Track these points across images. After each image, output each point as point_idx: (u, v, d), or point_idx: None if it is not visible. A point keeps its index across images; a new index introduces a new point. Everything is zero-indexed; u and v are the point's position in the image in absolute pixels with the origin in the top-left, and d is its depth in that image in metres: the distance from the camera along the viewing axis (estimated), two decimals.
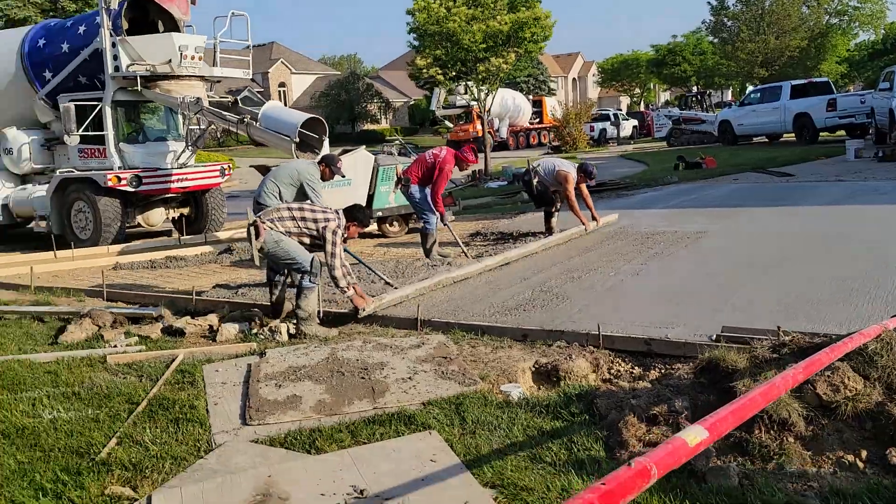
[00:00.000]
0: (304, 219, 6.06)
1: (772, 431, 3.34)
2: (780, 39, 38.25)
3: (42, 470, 3.73)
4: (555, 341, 5.26)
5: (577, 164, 9.72)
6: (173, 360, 5.34)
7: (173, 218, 13.70)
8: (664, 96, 77.29)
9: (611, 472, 1.89)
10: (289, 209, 6.13)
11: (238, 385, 4.82)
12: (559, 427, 3.81)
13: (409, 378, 4.67)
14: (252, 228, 5.93)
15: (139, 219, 13.14)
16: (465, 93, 40.71)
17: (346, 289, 6.11)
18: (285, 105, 22.42)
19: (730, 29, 40.78)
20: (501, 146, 39.26)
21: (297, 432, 4.03)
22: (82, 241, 11.88)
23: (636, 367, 4.89)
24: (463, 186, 12.62)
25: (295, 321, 5.97)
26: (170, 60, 11.82)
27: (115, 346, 5.75)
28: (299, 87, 63.89)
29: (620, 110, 50.70)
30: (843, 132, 24.85)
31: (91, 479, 3.60)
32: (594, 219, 9.69)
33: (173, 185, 12.69)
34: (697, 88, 50.17)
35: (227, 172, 13.75)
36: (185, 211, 13.60)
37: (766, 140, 27.18)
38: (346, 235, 6.25)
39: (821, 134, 24.25)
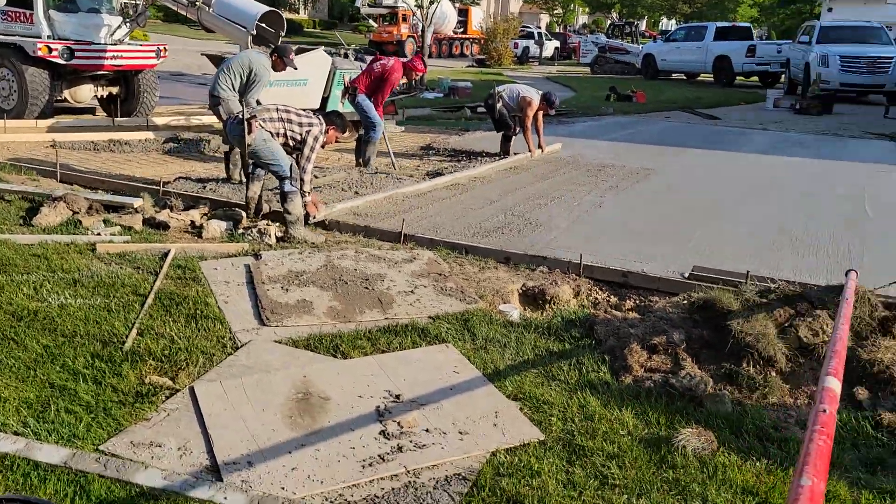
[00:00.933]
0: (290, 121, 6.10)
1: (758, 366, 3.85)
2: None
3: (71, 356, 3.82)
4: (537, 266, 5.63)
5: (540, 92, 9.95)
6: (166, 253, 5.38)
7: (101, 96, 13.08)
8: (582, 19, 77.45)
9: None
10: (276, 110, 6.13)
11: (242, 285, 4.95)
12: (566, 349, 4.20)
13: (411, 292, 4.94)
14: (245, 124, 5.92)
15: (66, 93, 12.51)
16: None
17: (307, 193, 6.24)
18: None
19: None
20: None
21: (318, 336, 4.25)
22: (5, 112, 11.23)
23: (612, 297, 5.34)
24: (402, 96, 12.61)
25: (283, 224, 6.08)
26: None
27: (99, 234, 5.70)
28: None
29: (541, 29, 50.63)
30: (756, 78, 26.06)
31: (127, 366, 3.73)
32: (540, 147, 10.03)
33: (106, 63, 12.05)
34: (619, 16, 50.58)
35: (162, 54, 13.14)
36: (115, 90, 12.97)
37: (685, 77, 28.10)
38: (324, 140, 6.35)
39: (737, 78, 25.33)
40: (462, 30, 43.79)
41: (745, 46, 24.54)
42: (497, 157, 9.79)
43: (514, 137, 10.10)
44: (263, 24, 10.46)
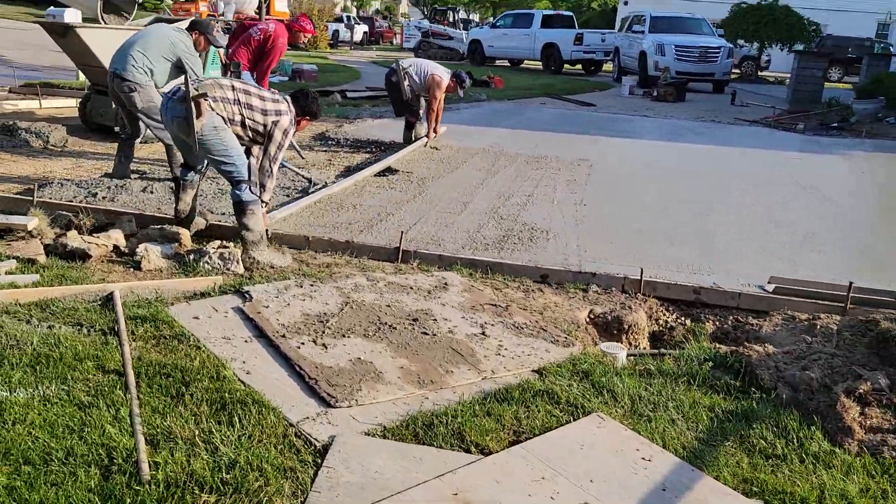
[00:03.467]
0: (250, 106, 4.57)
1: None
2: None
3: (54, 495, 2.27)
4: (587, 284, 4.62)
5: (449, 71, 8.87)
6: (108, 297, 3.73)
7: None
8: (375, 5, 76.68)
9: None
10: (233, 89, 4.57)
11: (252, 340, 3.47)
12: (743, 407, 3.22)
13: (483, 334, 3.73)
14: (191, 104, 4.32)
15: None
16: None
17: (268, 202, 4.83)
18: None
19: None
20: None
21: (415, 417, 2.95)
22: None
23: (685, 318, 4.48)
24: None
25: (241, 244, 4.55)
26: None
27: None
28: None
29: (351, 13, 49.21)
30: (580, 66, 26.62)
31: None
32: (435, 131, 8.95)
33: None
34: (427, 3, 50.48)
35: None
36: None
37: (509, 64, 28.13)
38: (296, 131, 4.94)
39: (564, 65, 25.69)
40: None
41: (573, 34, 24.87)
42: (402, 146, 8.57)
43: (417, 124, 8.96)
44: None
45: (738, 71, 27.13)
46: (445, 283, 4.35)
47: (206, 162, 4.89)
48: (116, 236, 4.50)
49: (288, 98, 4.77)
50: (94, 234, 4.48)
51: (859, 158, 10.11)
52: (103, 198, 5.57)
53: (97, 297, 3.77)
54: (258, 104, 4.59)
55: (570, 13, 28.21)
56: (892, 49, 30.84)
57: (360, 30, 43.02)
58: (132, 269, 4.26)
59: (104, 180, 6.11)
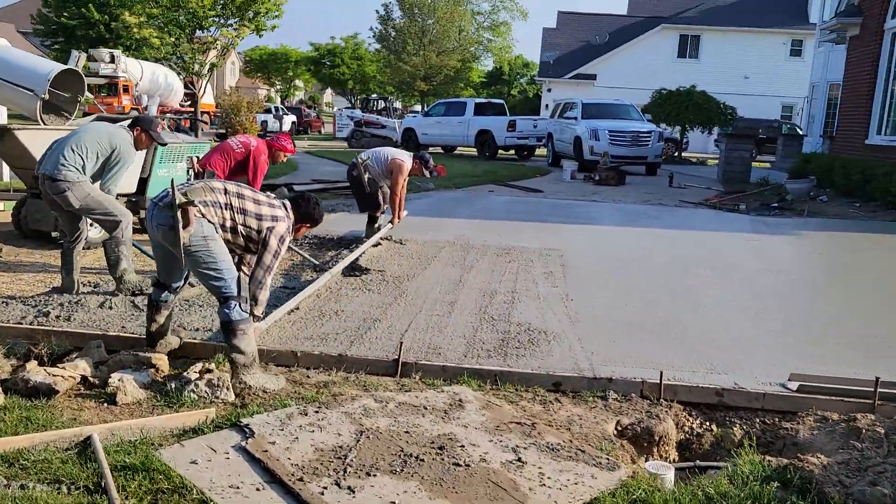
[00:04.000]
0: (244, 211, 4.20)
1: None
2: (439, 57, 40.64)
3: None
4: (604, 391, 4.32)
5: (410, 154, 8.70)
6: (85, 442, 3.21)
7: None
8: (299, 94, 77.46)
9: None
10: (226, 192, 4.20)
11: (265, 488, 3.01)
12: None
13: (519, 461, 3.35)
14: (180, 212, 3.91)
15: None
16: (112, 61, 36.20)
17: (260, 317, 4.45)
18: None
19: (395, 40, 42.23)
20: None
21: None
22: None
23: (711, 424, 4.21)
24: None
25: (230, 368, 4.09)
26: None
27: None
28: None
29: (279, 104, 49.43)
30: (512, 151, 27.10)
31: None
32: (399, 216, 8.72)
33: None
34: (353, 92, 51.21)
35: None
36: None
37: (442, 150, 28.43)
38: (293, 238, 4.60)
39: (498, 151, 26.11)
40: (189, 102, 41.00)
41: (506, 121, 25.40)
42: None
43: (380, 217, 8.71)
44: (55, 90, 8.00)
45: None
46: (460, 400, 3.98)
47: (183, 279, 4.46)
48: (83, 365, 3.97)
49: (286, 203, 4.43)
50: (58, 364, 3.94)
51: (813, 238, 10.31)
52: (57, 317, 5.02)
53: (72, 442, 3.24)
54: (252, 209, 4.22)
55: (501, 101, 28.89)
56: (798, 129, 32.72)
57: (289, 120, 43.06)
58: (106, 405, 3.74)
59: (53, 296, 5.55)
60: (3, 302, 5.35)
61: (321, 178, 14.72)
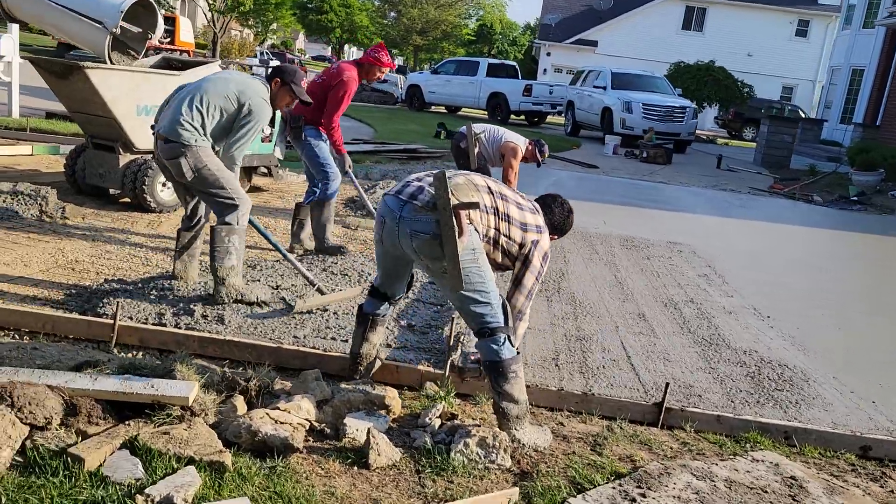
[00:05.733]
0: (508, 218, 3.20)
1: None
2: (438, 11, 39.10)
3: None
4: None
5: (526, 139, 7.71)
6: None
7: None
8: (270, 40, 74.70)
9: None
10: (490, 191, 3.17)
11: None
12: None
13: None
14: (451, 215, 2.90)
15: None
16: None
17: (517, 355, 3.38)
18: None
19: None
20: None
21: None
22: None
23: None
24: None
25: (498, 420, 3.13)
26: None
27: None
28: None
29: (264, 49, 47.39)
30: (522, 117, 26.05)
31: None
32: None
33: None
34: (338, 40, 49.34)
35: None
36: None
37: (446, 110, 27.23)
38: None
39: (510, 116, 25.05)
40: (169, 40, 38.81)
41: (522, 85, 24.31)
42: None
43: None
44: (126, 24, 6.76)
45: None
46: (792, 477, 3.10)
47: (406, 288, 3.46)
48: (307, 407, 2.97)
49: (536, 205, 3.44)
50: (276, 406, 2.93)
51: None
52: (204, 317, 3.99)
53: None
54: (517, 215, 3.22)
55: (514, 63, 27.70)
56: (801, 112, 32.28)
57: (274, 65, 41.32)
58: (355, 467, 2.77)
59: (175, 284, 4.48)
60: (120, 289, 4.28)
61: (358, 138, 13.51)
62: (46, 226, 5.81)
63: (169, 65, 7.53)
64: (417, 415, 3.23)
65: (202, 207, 4.63)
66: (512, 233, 3.20)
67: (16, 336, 3.67)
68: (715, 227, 8.93)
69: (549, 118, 26.02)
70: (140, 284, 4.42)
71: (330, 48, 60.10)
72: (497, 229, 3.16)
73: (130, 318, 3.86)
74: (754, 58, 38.29)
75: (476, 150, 7.51)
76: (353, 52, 60.18)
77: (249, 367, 3.53)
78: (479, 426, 3.02)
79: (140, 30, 6.99)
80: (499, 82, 24.71)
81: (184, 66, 7.43)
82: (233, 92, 4.36)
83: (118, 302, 3.80)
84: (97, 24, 6.52)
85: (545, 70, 39.76)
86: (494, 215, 3.15)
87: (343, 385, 3.25)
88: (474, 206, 2.94)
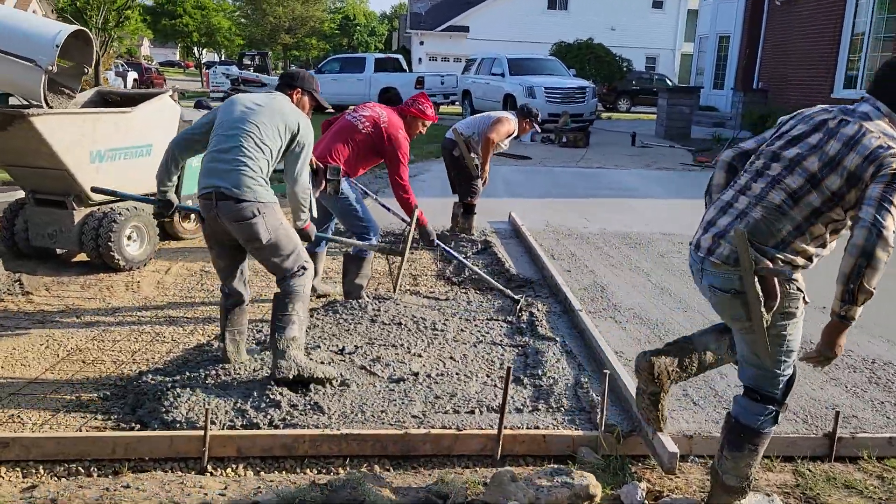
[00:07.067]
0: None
1: None
2: (304, 6, 37.93)
3: None
4: None
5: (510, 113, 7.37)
6: None
7: None
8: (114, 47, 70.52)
9: None
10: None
11: None
12: None
13: None
14: (763, 282, 2.46)
15: None
16: None
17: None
18: None
19: None
20: None
21: None
22: None
23: None
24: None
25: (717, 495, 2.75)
26: None
27: None
28: None
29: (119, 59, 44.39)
30: None
31: None
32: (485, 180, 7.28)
33: None
34: (194, 44, 47.06)
35: None
36: None
37: (333, 110, 26.41)
38: None
39: None
40: None
41: (412, 78, 23.89)
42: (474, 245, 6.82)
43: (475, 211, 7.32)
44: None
45: None
46: None
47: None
48: None
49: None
50: None
51: None
52: (292, 406, 3.36)
53: None
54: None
55: (398, 56, 27.19)
56: (668, 81, 33.63)
57: (131, 76, 38.78)
58: None
59: (228, 367, 3.79)
60: (154, 381, 3.56)
61: None
62: (10, 308, 4.88)
63: (104, 99, 6.61)
64: (617, 496, 2.80)
65: (246, 275, 3.92)
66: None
67: (80, 469, 2.94)
68: (689, 211, 8.89)
69: (443, 108, 25.74)
70: (187, 374, 3.70)
71: (178, 53, 57.26)
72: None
73: (213, 424, 3.19)
74: (617, 31, 39.49)
75: (471, 154, 7.09)
76: (213, 56, 57.54)
77: (363, 462, 2.99)
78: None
79: (73, 64, 6.07)
80: (389, 77, 24.15)
81: (124, 100, 6.54)
82: (278, 119, 3.67)
83: (189, 404, 3.11)
84: (28, 63, 5.56)
85: (420, 59, 39.44)
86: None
87: (537, 481, 2.75)
88: (779, 273, 2.48)
